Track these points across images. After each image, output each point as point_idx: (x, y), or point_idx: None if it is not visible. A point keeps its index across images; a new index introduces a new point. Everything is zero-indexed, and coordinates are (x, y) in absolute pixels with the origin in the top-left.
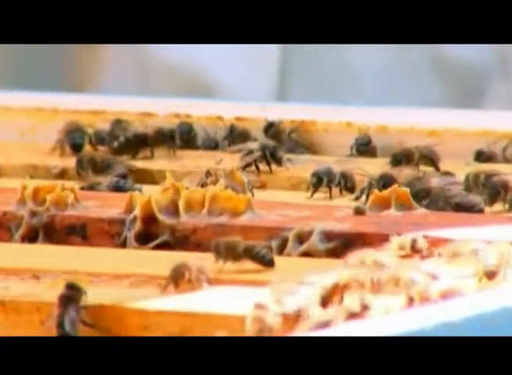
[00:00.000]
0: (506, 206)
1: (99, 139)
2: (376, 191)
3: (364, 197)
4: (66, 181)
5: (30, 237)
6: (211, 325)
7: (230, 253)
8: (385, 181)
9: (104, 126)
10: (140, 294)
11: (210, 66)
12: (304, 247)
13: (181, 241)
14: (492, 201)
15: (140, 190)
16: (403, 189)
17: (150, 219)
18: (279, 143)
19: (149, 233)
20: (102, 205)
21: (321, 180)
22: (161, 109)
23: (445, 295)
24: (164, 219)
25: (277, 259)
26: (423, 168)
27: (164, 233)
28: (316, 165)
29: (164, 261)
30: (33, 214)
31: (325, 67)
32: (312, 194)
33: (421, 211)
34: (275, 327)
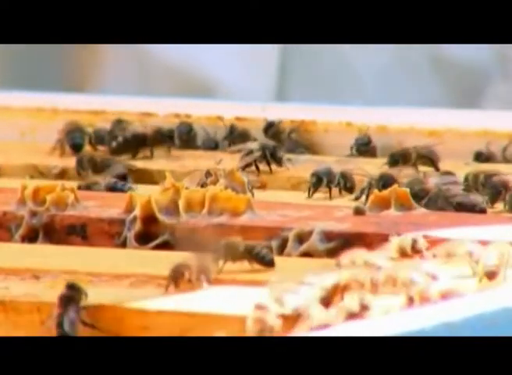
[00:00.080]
0: (507, 206)
1: (99, 138)
2: (376, 191)
3: (363, 197)
4: (66, 181)
5: (30, 237)
6: (211, 325)
7: (230, 254)
8: (385, 181)
9: (104, 125)
10: (140, 294)
11: (209, 66)
12: (304, 247)
13: (181, 241)
14: (492, 201)
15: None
16: (403, 189)
17: (150, 219)
18: (278, 143)
19: (149, 233)
20: (102, 205)
21: (320, 180)
22: (161, 109)
23: (445, 295)
24: (164, 219)
25: (277, 259)
26: (422, 168)
27: (164, 233)
28: (316, 165)
29: (164, 261)
30: (33, 214)
31: (324, 67)
32: (312, 194)
33: (420, 211)
34: (276, 328)
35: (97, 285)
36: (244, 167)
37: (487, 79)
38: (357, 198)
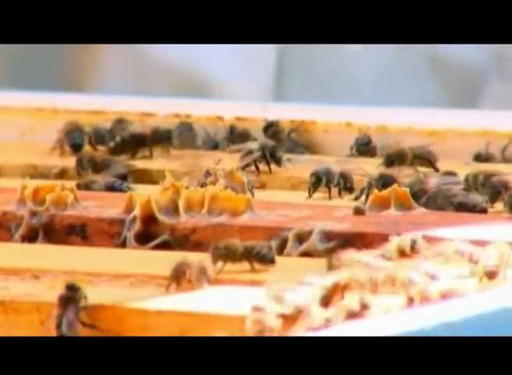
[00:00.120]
0: (506, 206)
1: (98, 138)
2: (376, 190)
3: (363, 197)
4: (66, 181)
5: (30, 237)
6: (211, 325)
7: (229, 256)
8: (385, 181)
9: (104, 125)
10: (140, 294)
11: (209, 66)
12: (304, 247)
13: (181, 240)
14: (492, 201)
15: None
16: (403, 189)
17: (149, 219)
18: (278, 143)
19: (149, 233)
20: (102, 205)
21: (319, 180)
22: (161, 109)
23: (445, 295)
24: (164, 219)
25: (277, 259)
26: (421, 169)
27: (164, 233)
28: (316, 165)
29: (164, 261)
30: (33, 214)
31: (323, 67)
32: (311, 194)
33: (420, 211)
34: (275, 328)
35: (97, 285)
36: (244, 167)
37: (484, 79)
38: (356, 198)
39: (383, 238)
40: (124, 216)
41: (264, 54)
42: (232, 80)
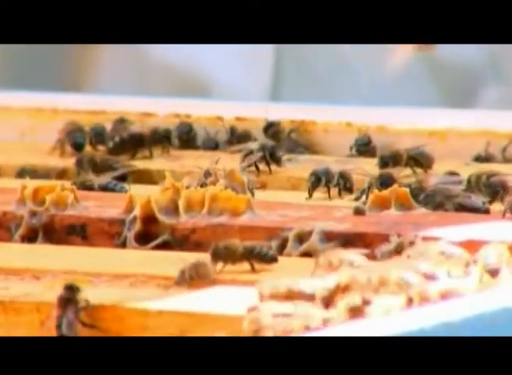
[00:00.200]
0: (506, 206)
1: (98, 138)
2: (376, 191)
3: (364, 197)
4: (66, 181)
5: (30, 237)
6: (210, 325)
7: (229, 256)
8: (385, 181)
9: (104, 125)
10: (140, 294)
11: (208, 66)
12: (304, 247)
13: (181, 241)
14: (491, 201)
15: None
16: (403, 189)
17: (150, 219)
18: (278, 143)
19: (149, 234)
20: (102, 205)
21: (319, 180)
22: (161, 109)
23: (444, 295)
24: (164, 219)
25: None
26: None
27: (164, 234)
28: (316, 165)
29: (164, 261)
30: (33, 214)
31: (322, 67)
32: (311, 194)
33: (420, 211)
34: (274, 328)
35: (97, 285)
36: (246, 167)
37: (482, 80)
38: (357, 198)
39: (383, 238)
40: (124, 216)
41: (264, 54)
42: (231, 80)
